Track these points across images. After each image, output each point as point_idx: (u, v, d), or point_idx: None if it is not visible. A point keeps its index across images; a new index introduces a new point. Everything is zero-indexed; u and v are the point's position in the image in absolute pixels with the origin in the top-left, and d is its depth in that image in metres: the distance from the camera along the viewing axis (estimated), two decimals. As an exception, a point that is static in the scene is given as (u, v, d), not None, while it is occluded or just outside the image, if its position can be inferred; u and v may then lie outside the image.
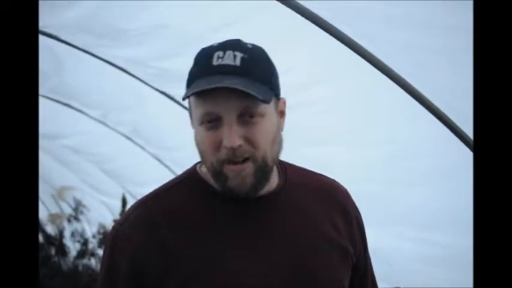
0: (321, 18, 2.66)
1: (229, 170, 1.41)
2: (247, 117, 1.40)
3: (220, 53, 1.41)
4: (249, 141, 1.40)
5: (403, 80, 2.77)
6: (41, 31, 3.85)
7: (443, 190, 3.12)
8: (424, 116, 2.82)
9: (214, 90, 1.37)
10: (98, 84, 4.98)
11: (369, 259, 1.65)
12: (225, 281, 1.41)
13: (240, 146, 1.39)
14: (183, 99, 1.42)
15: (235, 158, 1.39)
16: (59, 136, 6.71)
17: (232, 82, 1.37)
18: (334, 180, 1.64)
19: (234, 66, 1.40)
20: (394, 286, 3.39)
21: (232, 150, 1.39)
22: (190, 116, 1.49)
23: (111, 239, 1.49)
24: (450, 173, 2.99)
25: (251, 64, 1.41)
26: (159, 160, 5.60)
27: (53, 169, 7.73)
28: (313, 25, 2.68)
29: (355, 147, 3.40)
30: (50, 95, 5.44)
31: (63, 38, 4.05)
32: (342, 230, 1.55)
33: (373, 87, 2.98)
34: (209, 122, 1.40)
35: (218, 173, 1.42)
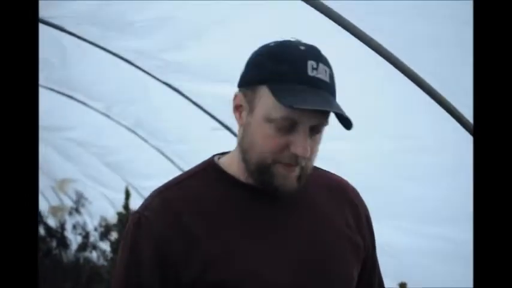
0: (332, 11, 2.66)
1: (280, 169, 1.44)
2: (315, 132, 1.44)
3: (314, 64, 1.43)
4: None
5: (415, 73, 2.76)
6: (47, 22, 3.85)
7: (449, 185, 3.11)
8: (435, 112, 2.81)
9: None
10: (101, 76, 4.98)
11: (376, 256, 1.67)
12: (243, 271, 1.44)
13: None
14: (290, 106, 1.39)
15: (292, 162, 1.44)
16: (62, 128, 6.71)
17: (334, 105, 1.42)
18: (342, 178, 1.67)
19: (327, 83, 1.44)
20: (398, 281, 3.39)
21: (299, 158, 1.43)
22: (248, 103, 1.46)
23: (134, 224, 1.49)
24: (457, 168, 2.98)
25: (334, 82, 1.46)
26: (162, 153, 5.60)
27: (55, 162, 7.73)
28: (323, 18, 2.67)
29: (360, 141, 3.39)
30: (54, 87, 5.44)
31: (68, 29, 4.05)
32: (353, 225, 1.59)
33: (383, 82, 2.97)
34: (281, 124, 1.42)
35: (265, 169, 1.45)
